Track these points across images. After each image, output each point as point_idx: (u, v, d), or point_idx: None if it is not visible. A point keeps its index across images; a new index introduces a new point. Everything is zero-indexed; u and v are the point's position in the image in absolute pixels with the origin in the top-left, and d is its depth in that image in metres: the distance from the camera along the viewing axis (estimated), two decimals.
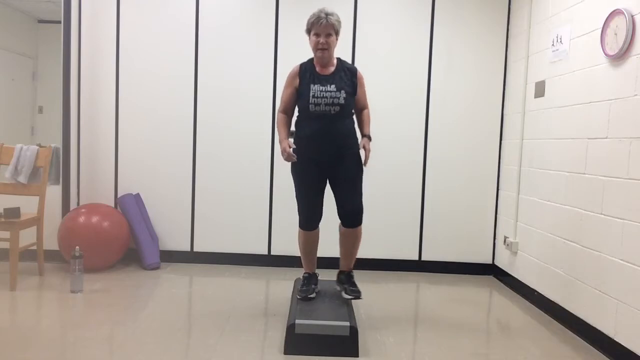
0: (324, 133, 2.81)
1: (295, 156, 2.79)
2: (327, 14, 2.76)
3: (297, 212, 3.00)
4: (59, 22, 4.03)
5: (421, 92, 4.20)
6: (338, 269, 3.13)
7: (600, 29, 2.86)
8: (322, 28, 2.77)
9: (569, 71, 3.22)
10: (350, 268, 3.06)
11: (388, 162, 4.21)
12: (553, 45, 3.43)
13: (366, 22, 4.15)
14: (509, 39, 4.17)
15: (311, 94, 2.78)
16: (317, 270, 3.16)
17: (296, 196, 2.96)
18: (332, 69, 2.88)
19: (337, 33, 2.83)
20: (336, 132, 2.82)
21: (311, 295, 2.96)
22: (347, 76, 2.88)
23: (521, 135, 3.85)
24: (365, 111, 3.01)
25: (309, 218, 2.95)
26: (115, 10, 4.14)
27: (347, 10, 4.13)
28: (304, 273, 3.11)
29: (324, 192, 2.97)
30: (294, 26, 4.14)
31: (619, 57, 2.70)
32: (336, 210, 2.96)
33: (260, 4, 4.15)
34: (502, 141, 4.23)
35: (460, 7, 4.15)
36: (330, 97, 2.78)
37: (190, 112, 4.20)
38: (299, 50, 4.09)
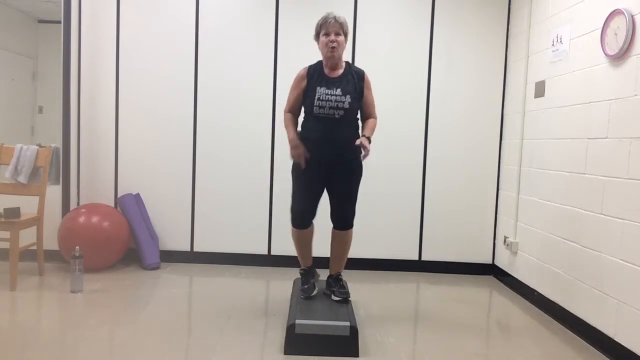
0: (327, 136, 2.81)
1: (305, 157, 2.79)
2: (335, 16, 2.80)
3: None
4: (59, 22, 4.03)
5: (421, 92, 4.20)
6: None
7: (600, 29, 2.86)
8: (332, 27, 2.78)
9: (569, 71, 3.22)
10: (339, 272, 3.10)
11: (388, 162, 4.21)
12: (553, 45, 3.42)
13: (366, 22, 4.15)
14: (509, 39, 4.17)
15: (316, 97, 2.79)
16: (317, 270, 3.15)
17: (292, 193, 2.96)
18: (341, 71, 2.87)
19: (345, 34, 2.85)
20: (338, 136, 2.82)
21: (314, 293, 2.98)
22: (354, 80, 2.87)
23: (521, 135, 3.85)
24: (372, 119, 2.96)
25: (302, 214, 2.92)
26: (115, 10, 4.14)
27: (347, 10, 4.12)
28: (301, 269, 3.10)
29: (321, 195, 2.95)
30: (294, 26, 4.14)
31: (619, 57, 2.70)
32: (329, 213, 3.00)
33: (260, 4, 4.15)
34: (502, 141, 4.23)
35: (460, 7, 4.15)
36: (335, 100, 2.78)
37: (190, 112, 4.20)
38: (299, 50, 4.11)
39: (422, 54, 4.18)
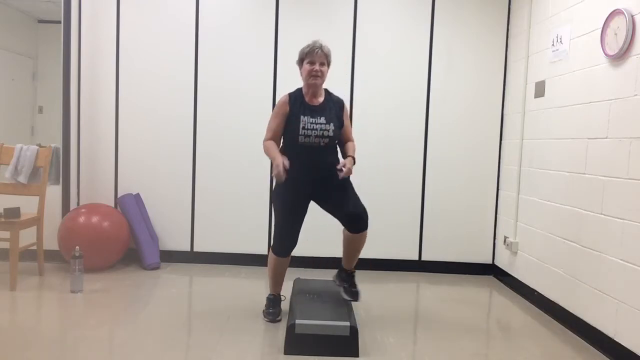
0: (312, 164, 2.81)
1: (285, 176, 2.68)
2: (321, 45, 2.83)
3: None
4: (59, 22, 4.03)
5: (421, 92, 4.20)
6: (336, 268, 3.13)
7: (600, 29, 2.86)
8: (317, 57, 2.81)
9: (569, 71, 3.22)
10: (352, 268, 3.06)
11: (388, 162, 4.21)
12: (553, 45, 3.43)
13: (366, 22, 4.15)
14: (509, 39, 4.17)
15: (301, 126, 2.77)
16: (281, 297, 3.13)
17: (276, 221, 2.91)
18: (321, 99, 2.89)
19: (328, 64, 2.87)
20: (323, 163, 2.83)
21: (279, 319, 2.98)
22: (335, 108, 2.89)
23: (521, 135, 3.85)
24: (352, 143, 2.98)
25: (288, 245, 2.90)
26: (115, 10, 4.14)
27: (347, 10, 4.13)
28: (270, 294, 3.07)
29: (303, 220, 2.92)
30: (294, 26, 4.14)
31: (619, 57, 2.70)
32: (334, 217, 2.94)
33: (260, 4, 4.15)
34: (502, 141, 4.23)
35: (460, 7, 4.15)
36: (320, 129, 2.78)
37: (190, 112, 4.20)
38: (298, 50, 4.10)
39: (422, 54, 4.18)
